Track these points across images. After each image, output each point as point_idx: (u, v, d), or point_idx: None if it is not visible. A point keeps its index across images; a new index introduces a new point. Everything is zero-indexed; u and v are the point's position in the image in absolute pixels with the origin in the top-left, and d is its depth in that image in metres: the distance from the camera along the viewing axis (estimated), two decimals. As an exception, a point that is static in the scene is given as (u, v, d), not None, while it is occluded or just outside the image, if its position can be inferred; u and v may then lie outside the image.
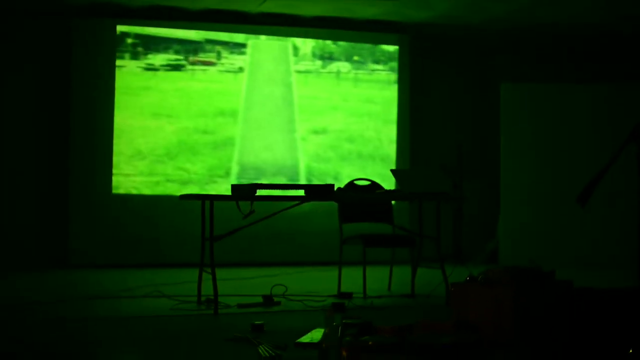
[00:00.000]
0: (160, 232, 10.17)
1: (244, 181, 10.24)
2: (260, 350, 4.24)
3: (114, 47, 10.19)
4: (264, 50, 10.65)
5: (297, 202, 6.35)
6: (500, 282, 4.60)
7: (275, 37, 10.67)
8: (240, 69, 10.56)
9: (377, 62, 11.08)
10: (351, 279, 7.57)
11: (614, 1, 9.67)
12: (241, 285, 7.71)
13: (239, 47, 10.58)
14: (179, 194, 8.96)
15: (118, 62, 10.18)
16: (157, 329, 5.29)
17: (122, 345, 4.71)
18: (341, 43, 10.94)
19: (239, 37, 10.55)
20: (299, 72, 10.77)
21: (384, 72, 11.08)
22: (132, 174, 10.19)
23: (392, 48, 11.10)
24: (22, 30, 10.03)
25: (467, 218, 11.01)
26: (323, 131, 10.83)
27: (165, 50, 10.33)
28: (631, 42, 11.58)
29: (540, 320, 4.37)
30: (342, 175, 10.72)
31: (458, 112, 11.53)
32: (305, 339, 4.52)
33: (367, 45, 11.03)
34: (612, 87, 10.61)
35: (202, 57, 10.44)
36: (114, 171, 10.11)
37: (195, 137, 10.37)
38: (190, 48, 10.42)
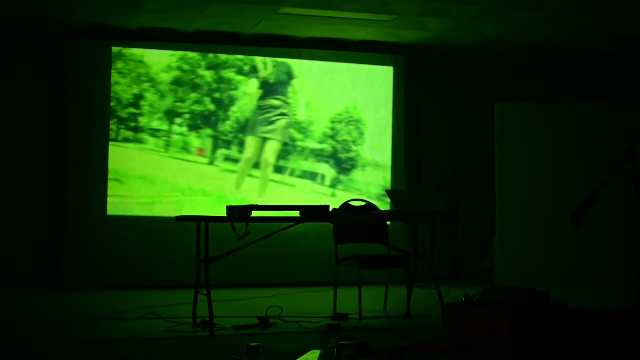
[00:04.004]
0: (155, 254, 10.14)
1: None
2: (256, 373, 4.23)
3: (109, 69, 10.20)
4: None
5: (292, 223, 6.35)
6: (496, 303, 4.60)
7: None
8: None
9: (371, 82, 11.10)
10: (347, 299, 7.56)
11: (608, 21, 9.71)
12: (237, 306, 7.70)
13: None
14: (174, 214, 8.95)
15: (114, 81, 10.19)
16: (153, 352, 5.27)
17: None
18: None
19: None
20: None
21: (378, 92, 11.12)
22: (127, 195, 10.19)
23: (387, 69, 11.13)
24: (17, 50, 10.04)
25: (462, 238, 11.01)
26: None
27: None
28: (625, 61, 11.63)
29: (536, 340, 4.37)
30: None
31: (453, 132, 11.55)
32: (301, 360, 4.51)
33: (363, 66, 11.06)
34: (606, 107, 10.64)
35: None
36: (109, 192, 10.11)
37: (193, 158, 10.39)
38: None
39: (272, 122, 10.71)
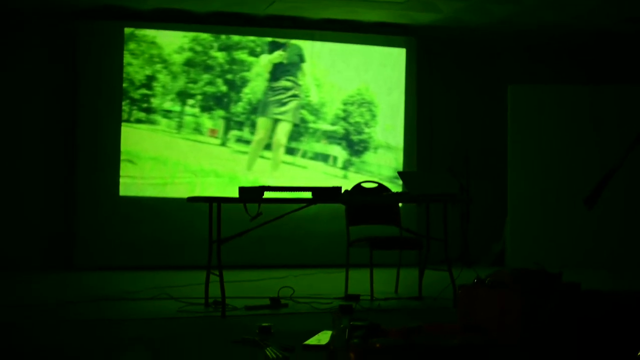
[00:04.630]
0: (167, 234, 10.18)
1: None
2: (267, 352, 4.24)
3: (121, 50, 10.21)
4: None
5: (304, 204, 6.36)
6: (507, 285, 4.60)
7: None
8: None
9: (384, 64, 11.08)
10: (358, 281, 7.57)
11: (620, 3, 9.66)
12: (248, 287, 7.72)
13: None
14: (186, 195, 8.97)
15: (126, 62, 10.20)
16: (165, 331, 5.30)
17: (130, 347, 4.72)
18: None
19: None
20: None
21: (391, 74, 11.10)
22: (139, 176, 10.21)
23: (399, 50, 11.10)
24: (29, 33, 10.05)
25: (474, 220, 11.00)
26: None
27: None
28: (636, 43, 11.56)
29: (547, 322, 4.37)
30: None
31: (465, 114, 11.53)
32: (312, 341, 4.52)
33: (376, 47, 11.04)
34: (619, 89, 10.59)
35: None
36: (121, 173, 10.13)
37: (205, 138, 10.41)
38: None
39: (284, 104, 10.70)
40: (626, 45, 11.65)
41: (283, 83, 10.70)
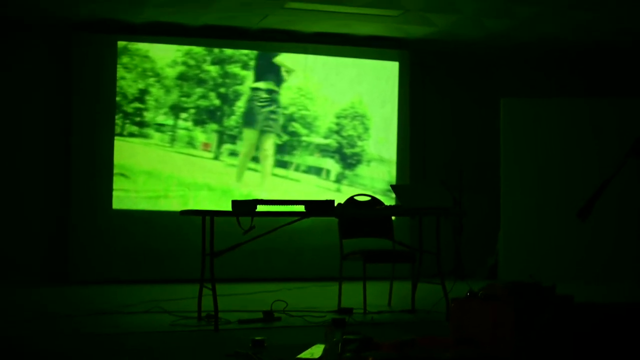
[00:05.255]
0: (160, 248, 10.16)
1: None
2: (260, 366, 4.23)
3: (114, 63, 10.21)
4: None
5: (297, 217, 6.36)
6: (500, 298, 4.60)
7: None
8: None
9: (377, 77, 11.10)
10: (351, 294, 7.56)
11: (614, 16, 9.69)
12: (241, 300, 7.71)
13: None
14: (179, 208, 8.96)
15: (120, 76, 10.20)
16: (158, 345, 5.28)
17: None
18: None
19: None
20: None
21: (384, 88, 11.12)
22: (133, 189, 10.20)
23: (392, 64, 11.12)
24: (24, 46, 10.04)
25: (467, 233, 11.00)
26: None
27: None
28: (631, 56, 11.60)
29: (541, 335, 4.37)
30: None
31: (459, 127, 11.54)
32: (305, 354, 4.51)
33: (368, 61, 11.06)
34: (612, 102, 10.61)
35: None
36: (114, 186, 10.13)
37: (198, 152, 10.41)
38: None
39: (267, 115, 10.70)
40: (620, 58, 11.67)
41: (265, 95, 10.70)
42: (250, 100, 10.65)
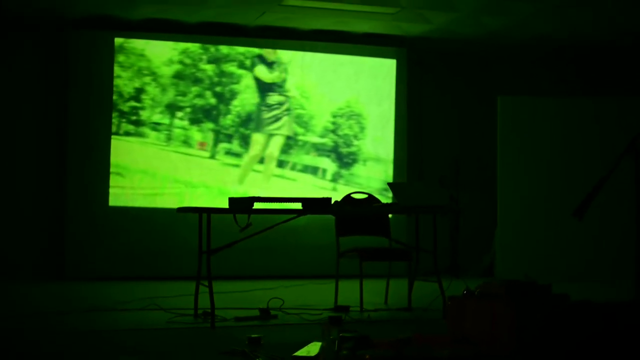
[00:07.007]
0: (156, 245, 10.15)
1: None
2: (257, 364, 4.23)
3: (111, 61, 10.19)
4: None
5: (294, 215, 6.35)
6: (497, 296, 4.60)
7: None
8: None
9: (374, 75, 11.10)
10: (348, 292, 7.55)
11: (611, 15, 9.70)
12: (238, 298, 7.70)
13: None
14: (176, 206, 8.95)
15: (116, 74, 10.19)
16: (154, 342, 5.28)
17: (119, 358, 4.70)
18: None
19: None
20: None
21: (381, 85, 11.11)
22: (129, 186, 10.19)
23: (389, 61, 11.12)
24: (19, 43, 10.03)
25: (463, 231, 11.00)
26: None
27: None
28: (628, 54, 11.61)
29: (537, 334, 4.37)
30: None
31: (456, 125, 11.54)
32: (302, 352, 4.51)
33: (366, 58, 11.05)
34: (609, 101, 10.62)
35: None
36: (110, 183, 10.11)
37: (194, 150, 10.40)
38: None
39: (279, 118, 10.70)
40: (617, 57, 11.68)
41: (277, 98, 10.70)
42: (261, 106, 10.64)
